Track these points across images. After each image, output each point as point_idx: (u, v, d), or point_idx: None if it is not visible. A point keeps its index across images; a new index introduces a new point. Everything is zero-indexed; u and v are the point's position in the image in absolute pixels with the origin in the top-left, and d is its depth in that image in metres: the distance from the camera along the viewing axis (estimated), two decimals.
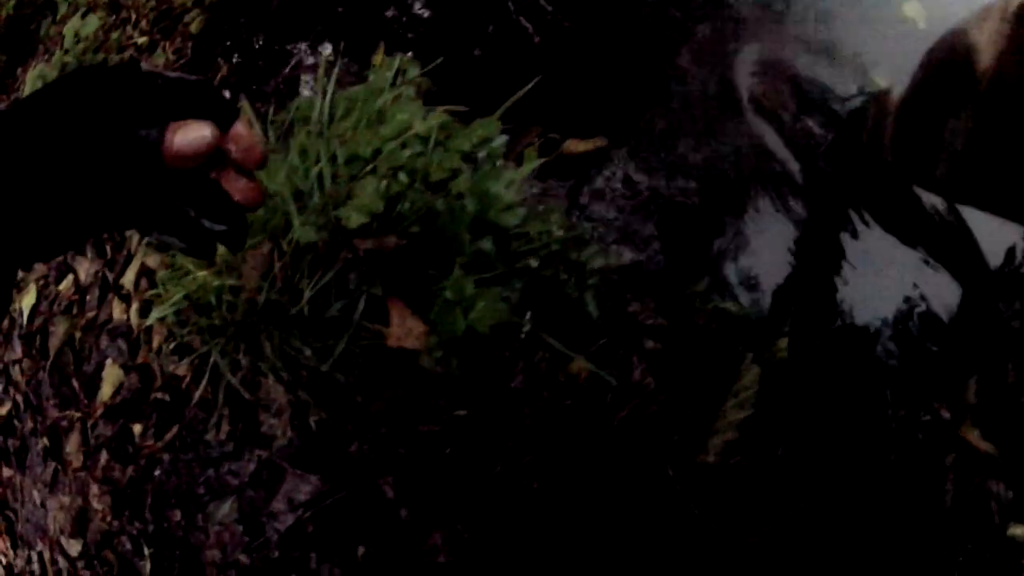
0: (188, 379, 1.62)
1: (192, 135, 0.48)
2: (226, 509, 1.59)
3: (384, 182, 1.36)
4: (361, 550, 1.43)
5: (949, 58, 1.35)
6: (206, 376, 1.55)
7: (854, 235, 1.76)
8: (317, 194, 1.42)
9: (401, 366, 1.35)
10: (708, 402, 1.44)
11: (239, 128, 0.52)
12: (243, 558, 1.58)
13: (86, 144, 0.47)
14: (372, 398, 1.38)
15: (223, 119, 0.51)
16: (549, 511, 1.34)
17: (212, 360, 1.52)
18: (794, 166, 1.81)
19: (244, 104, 1.60)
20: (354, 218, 1.34)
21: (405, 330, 1.32)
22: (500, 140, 1.44)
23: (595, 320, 1.45)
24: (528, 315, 1.41)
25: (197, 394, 1.59)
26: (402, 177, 1.37)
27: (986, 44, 1.27)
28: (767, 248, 1.72)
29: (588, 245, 1.50)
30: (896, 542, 1.55)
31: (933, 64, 1.44)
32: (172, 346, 1.61)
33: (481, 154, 1.43)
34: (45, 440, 1.98)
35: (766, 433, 1.50)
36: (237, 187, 0.52)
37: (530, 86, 1.60)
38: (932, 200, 1.78)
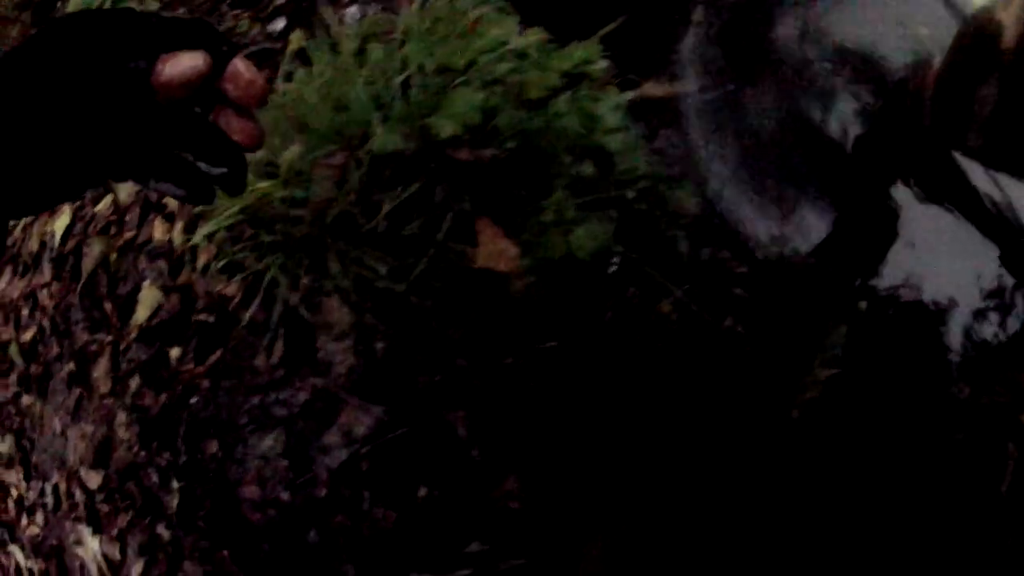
0: (237, 300, 1.39)
1: (183, 63, 0.44)
2: (270, 441, 1.36)
3: (480, 94, 1.15)
4: (423, 491, 1.21)
5: (980, 32, 1.42)
6: (259, 296, 1.33)
7: (905, 205, 1.63)
8: (400, 103, 1.20)
9: (486, 291, 1.14)
10: (798, 355, 1.26)
11: (238, 65, 0.47)
12: (285, 495, 1.36)
13: (75, 80, 0.43)
14: (450, 325, 1.17)
15: (220, 56, 0.46)
16: (637, 459, 1.14)
17: (268, 278, 1.30)
18: (849, 131, 1.67)
19: (324, 9, 1.38)
20: (447, 127, 1.13)
21: (495, 251, 1.11)
22: (602, 64, 1.24)
23: (684, 262, 1.26)
24: (618, 247, 1.21)
25: (247, 316, 1.36)
26: (498, 90, 1.16)
27: (1009, 23, 1.34)
28: (828, 214, 1.56)
29: (679, 185, 1.30)
30: (951, 523, 1.40)
31: (966, 37, 1.49)
32: (221, 264, 1.39)
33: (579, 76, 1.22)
34: (71, 365, 1.73)
35: (847, 396, 1.32)
36: (236, 127, 0.48)
37: (620, 20, 1.40)
38: (977, 177, 1.66)
